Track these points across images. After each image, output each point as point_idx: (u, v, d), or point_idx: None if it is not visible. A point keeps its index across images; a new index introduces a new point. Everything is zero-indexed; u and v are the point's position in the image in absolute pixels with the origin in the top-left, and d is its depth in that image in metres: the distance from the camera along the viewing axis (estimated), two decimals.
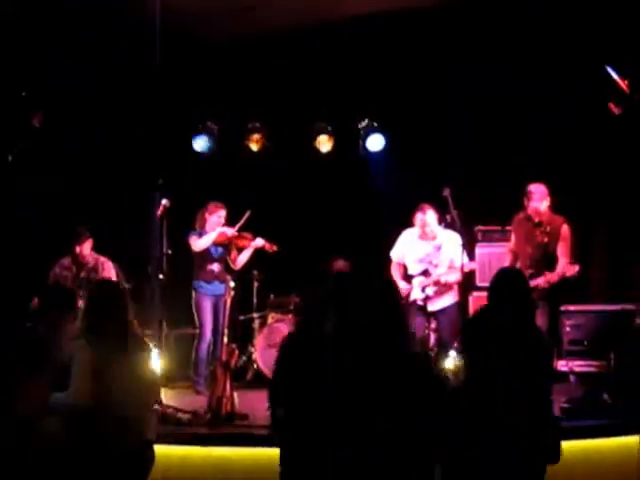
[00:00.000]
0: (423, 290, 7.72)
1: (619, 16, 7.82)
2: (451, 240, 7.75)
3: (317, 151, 9.63)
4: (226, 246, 8.32)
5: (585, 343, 8.03)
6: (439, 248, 7.78)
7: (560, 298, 7.52)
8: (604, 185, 9.32)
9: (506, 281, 4.47)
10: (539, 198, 7.25)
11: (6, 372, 3.91)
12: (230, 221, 8.33)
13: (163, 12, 7.94)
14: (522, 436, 4.05)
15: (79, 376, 4.11)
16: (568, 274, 7.08)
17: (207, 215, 8.19)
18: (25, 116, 9.28)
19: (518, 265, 7.35)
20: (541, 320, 7.17)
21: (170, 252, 7.91)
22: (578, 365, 7.87)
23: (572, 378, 7.74)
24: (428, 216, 7.79)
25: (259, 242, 8.35)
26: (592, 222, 9.36)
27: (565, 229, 7.26)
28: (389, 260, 8.04)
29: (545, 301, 7.19)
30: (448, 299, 7.88)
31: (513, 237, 7.67)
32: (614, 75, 7.66)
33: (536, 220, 7.31)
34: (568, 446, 5.59)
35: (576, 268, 7.09)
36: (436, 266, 7.73)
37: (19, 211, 9.37)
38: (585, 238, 9.15)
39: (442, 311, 7.77)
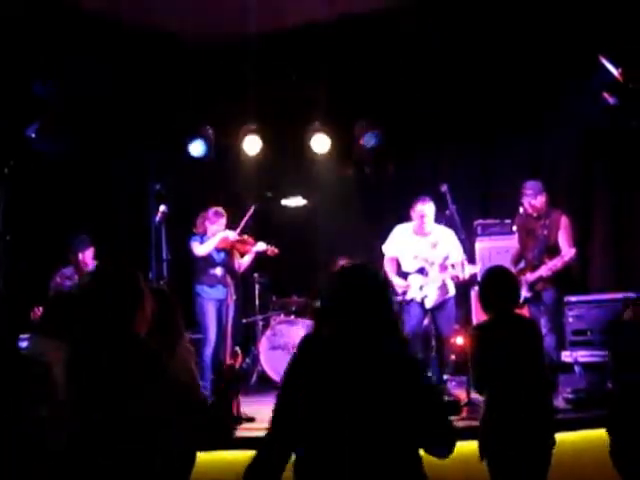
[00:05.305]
0: (421, 289, 7.57)
1: (612, 4, 7.83)
2: (446, 236, 7.68)
3: (313, 151, 9.61)
4: (228, 250, 8.28)
5: (588, 333, 8.02)
6: (435, 245, 7.64)
7: (564, 288, 7.53)
8: (603, 175, 9.34)
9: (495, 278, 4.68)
10: (534, 194, 7.42)
11: None
12: (230, 221, 8.29)
13: (151, 15, 7.97)
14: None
15: None
16: (566, 258, 7.13)
17: (208, 224, 8.16)
18: (21, 126, 9.31)
19: (523, 261, 7.47)
20: (547, 310, 7.23)
21: (170, 258, 7.93)
22: (582, 355, 7.85)
23: (577, 369, 7.73)
24: (427, 207, 7.60)
25: (261, 246, 8.26)
26: (591, 212, 9.36)
27: (564, 220, 7.39)
28: (381, 255, 7.87)
29: (550, 291, 7.30)
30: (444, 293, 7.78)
31: (517, 234, 7.78)
32: (608, 65, 7.67)
33: (535, 215, 7.45)
34: (574, 437, 5.60)
35: (573, 250, 7.18)
36: (432, 264, 7.58)
37: (19, 222, 9.38)
38: (585, 229, 9.18)
39: (440, 306, 7.65)
